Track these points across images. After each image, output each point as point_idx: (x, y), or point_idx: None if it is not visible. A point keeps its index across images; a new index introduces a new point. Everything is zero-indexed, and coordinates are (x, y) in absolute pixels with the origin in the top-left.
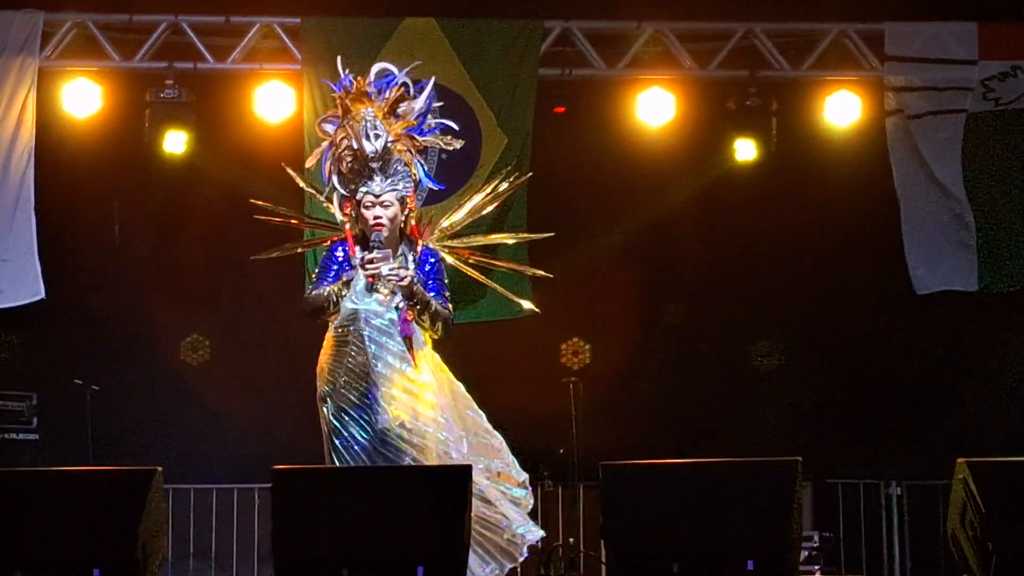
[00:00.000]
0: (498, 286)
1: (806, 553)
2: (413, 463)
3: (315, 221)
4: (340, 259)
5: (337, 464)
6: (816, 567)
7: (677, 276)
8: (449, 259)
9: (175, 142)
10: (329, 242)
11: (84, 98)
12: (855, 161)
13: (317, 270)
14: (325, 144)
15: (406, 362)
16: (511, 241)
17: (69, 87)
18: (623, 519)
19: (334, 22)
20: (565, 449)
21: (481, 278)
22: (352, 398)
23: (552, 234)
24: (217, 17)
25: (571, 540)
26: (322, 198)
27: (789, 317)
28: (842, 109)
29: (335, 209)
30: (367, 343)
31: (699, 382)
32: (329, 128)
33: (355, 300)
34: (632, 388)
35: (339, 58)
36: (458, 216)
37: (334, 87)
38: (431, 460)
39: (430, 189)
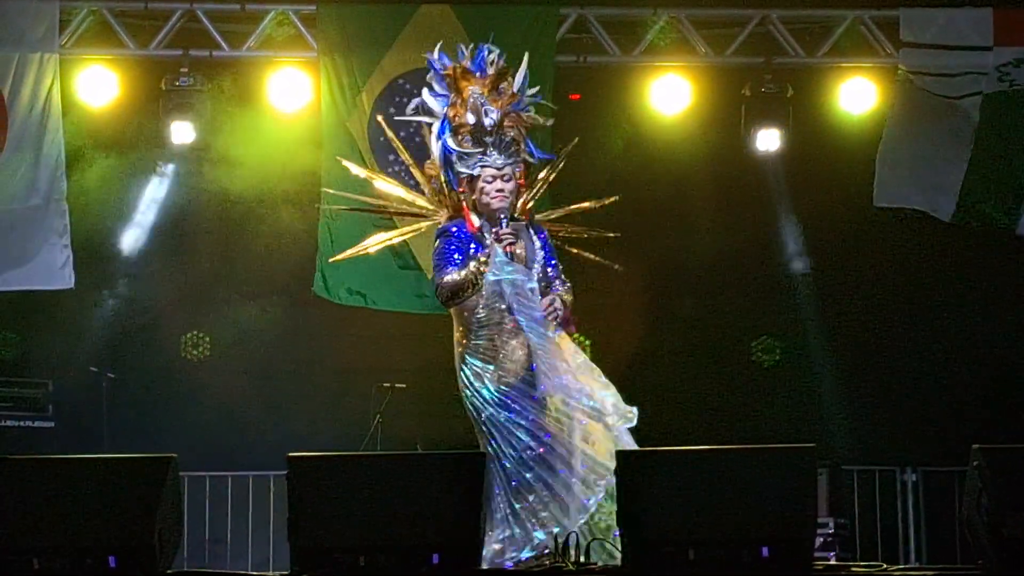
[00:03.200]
0: (593, 255)
1: (821, 539)
2: (581, 432)
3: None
4: (464, 237)
5: (498, 442)
6: (831, 553)
7: (688, 263)
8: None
9: (189, 130)
10: (425, 229)
11: (100, 86)
12: (870, 148)
13: (436, 258)
14: (436, 123)
15: (549, 328)
16: (589, 204)
17: (84, 75)
18: (639, 506)
19: (350, 9)
20: None
21: (577, 251)
22: (515, 371)
23: (616, 198)
24: (232, 4)
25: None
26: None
27: (804, 305)
28: (857, 96)
29: (411, 188)
30: (516, 314)
31: (714, 370)
32: (435, 105)
33: (496, 272)
34: (644, 377)
35: (439, 44)
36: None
37: (434, 66)
38: (591, 428)
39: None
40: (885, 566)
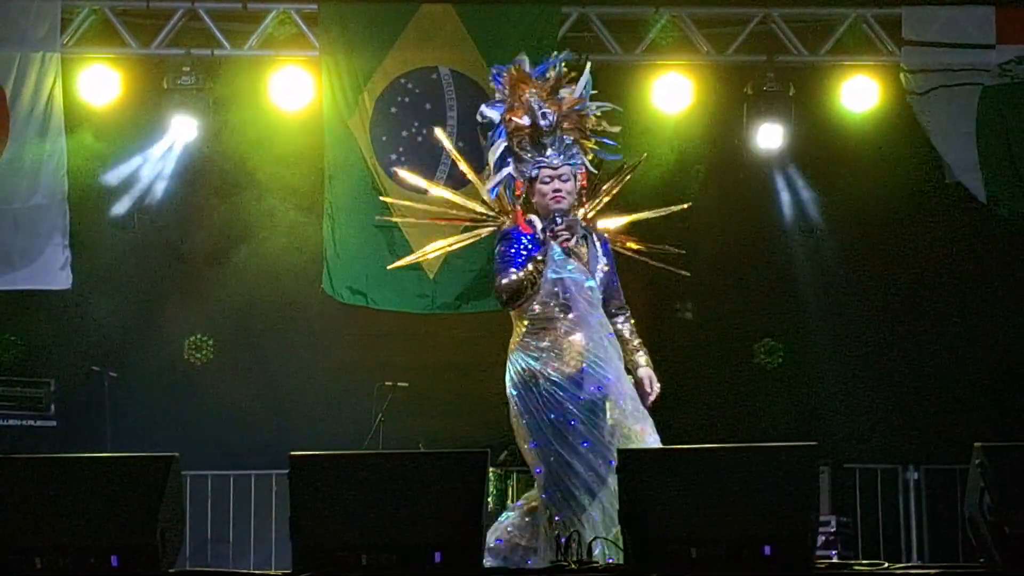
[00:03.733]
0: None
1: (823, 538)
2: (620, 437)
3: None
4: (527, 240)
5: (539, 445)
6: (834, 552)
7: (689, 262)
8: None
9: (191, 129)
10: (487, 232)
11: (102, 85)
12: (872, 146)
13: (498, 261)
14: (492, 132)
15: (607, 330)
16: (651, 213)
17: (86, 74)
18: (641, 504)
19: (352, 8)
20: None
21: (642, 258)
22: (565, 372)
23: (686, 205)
24: (234, 3)
25: None
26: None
27: (806, 303)
28: (859, 94)
29: (483, 193)
30: (572, 312)
31: (716, 369)
32: (492, 113)
33: (556, 271)
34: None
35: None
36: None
37: (496, 78)
38: (633, 434)
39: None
40: (887, 564)
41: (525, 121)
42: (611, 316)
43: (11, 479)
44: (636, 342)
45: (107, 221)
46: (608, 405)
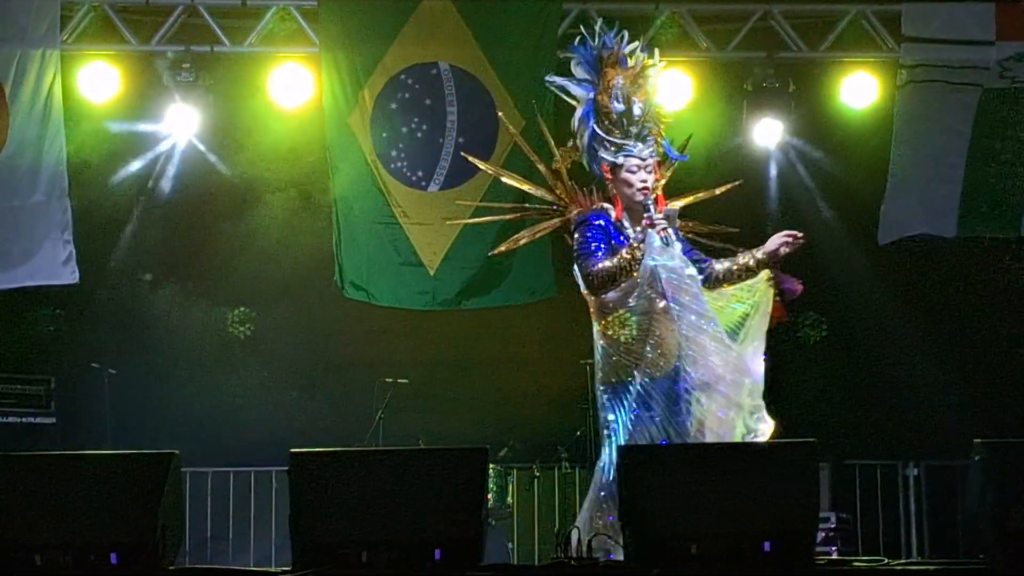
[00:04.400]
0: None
1: (823, 534)
2: (710, 432)
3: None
4: (606, 227)
5: (621, 439)
6: (833, 548)
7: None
8: None
9: (191, 126)
10: (561, 220)
11: (101, 82)
12: (871, 143)
13: (581, 248)
14: (581, 109)
15: (710, 320)
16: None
17: (86, 71)
18: (641, 500)
19: (351, 4)
20: (583, 431)
21: (704, 240)
22: (660, 364)
23: (739, 182)
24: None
25: None
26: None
27: (805, 301)
28: (859, 91)
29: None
30: (671, 301)
31: None
32: (579, 91)
33: (655, 257)
34: None
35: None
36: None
37: (580, 52)
38: (724, 426)
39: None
40: (887, 561)
41: (618, 107)
42: (705, 271)
43: (11, 476)
44: (735, 260)
45: (107, 217)
46: (695, 400)
